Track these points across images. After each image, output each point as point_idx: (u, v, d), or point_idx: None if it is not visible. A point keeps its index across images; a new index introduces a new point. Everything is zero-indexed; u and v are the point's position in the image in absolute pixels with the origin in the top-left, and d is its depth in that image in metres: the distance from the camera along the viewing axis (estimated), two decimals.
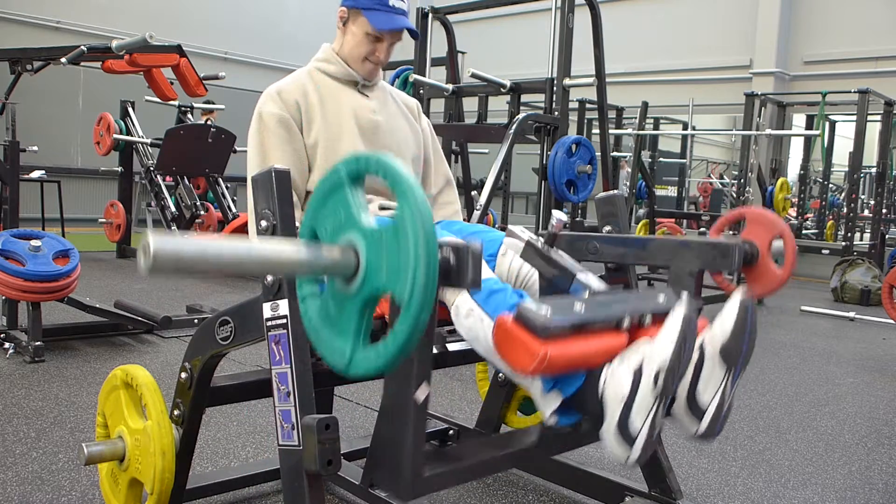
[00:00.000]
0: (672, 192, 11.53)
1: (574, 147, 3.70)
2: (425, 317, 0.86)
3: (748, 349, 1.30)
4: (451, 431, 2.16)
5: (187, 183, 6.39)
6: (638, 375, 1.19)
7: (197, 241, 0.79)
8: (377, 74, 1.86)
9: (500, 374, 2.12)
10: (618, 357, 1.25)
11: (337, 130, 1.75)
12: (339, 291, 0.95)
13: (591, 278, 1.39)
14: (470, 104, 4.62)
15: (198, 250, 0.78)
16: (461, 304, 1.38)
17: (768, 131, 6.65)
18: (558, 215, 1.46)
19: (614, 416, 1.20)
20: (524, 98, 4.20)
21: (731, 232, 1.68)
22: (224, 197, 6.55)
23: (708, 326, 1.33)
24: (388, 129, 1.84)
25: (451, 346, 1.90)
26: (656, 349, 1.19)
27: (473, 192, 5.50)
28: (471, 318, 1.36)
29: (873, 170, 7.72)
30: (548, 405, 1.30)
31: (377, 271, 0.90)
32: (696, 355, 1.29)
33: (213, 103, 7.18)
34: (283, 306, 1.26)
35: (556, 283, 1.44)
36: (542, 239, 1.48)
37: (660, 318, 1.30)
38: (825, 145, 8.62)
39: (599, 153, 4.14)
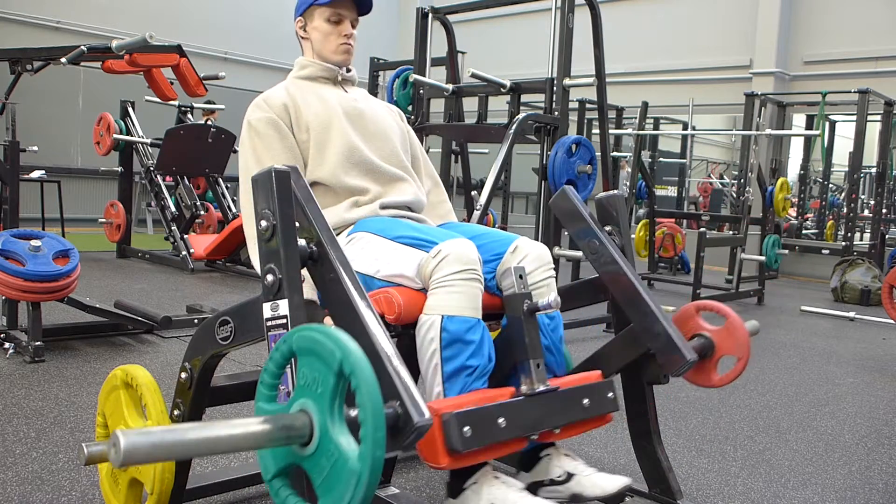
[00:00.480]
0: (672, 192, 11.53)
1: (574, 147, 3.69)
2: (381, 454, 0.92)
3: None
4: None
5: (187, 183, 6.39)
6: None
7: (164, 434, 0.85)
8: (351, 59, 1.90)
9: None
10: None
11: (325, 119, 1.78)
12: (301, 457, 0.99)
13: (536, 382, 1.49)
14: (470, 104, 4.62)
15: (165, 442, 0.84)
16: (433, 352, 1.45)
17: (768, 131, 6.63)
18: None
19: None
20: (524, 98, 4.19)
21: (702, 329, 1.74)
22: (224, 197, 6.55)
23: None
24: (372, 116, 1.88)
25: None
26: None
27: (473, 192, 5.50)
28: (430, 345, 1.45)
29: (873, 170, 7.72)
30: None
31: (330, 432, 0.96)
32: None
33: (214, 103, 7.18)
34: (283, 306, 1.26)
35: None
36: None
37: (570, 425, 1.53)
38: (825, 145, 8.63)
39: (599, 153, 4.14)
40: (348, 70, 1.91)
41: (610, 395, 1.59)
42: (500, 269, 1.64)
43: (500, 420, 1.37)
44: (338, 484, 0.93)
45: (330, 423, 0.95)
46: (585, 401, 1.54)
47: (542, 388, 1.47)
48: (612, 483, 1.55)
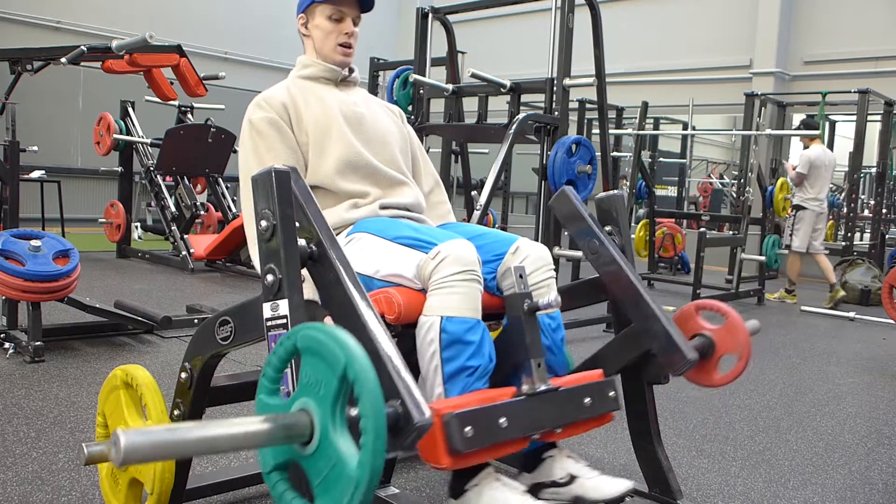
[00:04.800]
0: (672, 192, 11.53)
1: (574, 147, 3.69)
2: (381, 462, 0.92)
3: None
4: None
5: (187, 183, 6.39)
6: None
7: (161, 431, 0.85)
8: (351, 59, 1.89)
9: None
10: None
11: (325, 123, 1.78)
12: (300, 455, 0.99)
13: (538, 381, 1.48)
14: (470, 104, 4.62)
15: (166, 441, 0.85)
16: (431, 325, 1.45)
17: (768, 131, 6.64)
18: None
19: None
20: (524, 98, 4.19)
21: (703, 328, 1.74)
22: (224, 197, 6.55)
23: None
24: (372, 120, 1.88)
25: None
26: None
27: (473, 192, 5.50)
28: (431, 346, 1.45)
29: (873, 170, 7.72)
30: None
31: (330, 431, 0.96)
32: None
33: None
34: (283, 306, 1.26)
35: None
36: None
37: (571, 424, 1.52)
38: (825, 145, 8.61)
39: (599, 153, 4.14)
40: (350, 71, 1.90)
41: (611, 393, 1.59)
42: (500, 270, 1.64)
43: (502, 420, 1.37)
44: (335, 487, 0.93)
45: (331, 426, 0.95)
46: (587, 400, 1.53)
47: (543, 387, 1.47)
48: (614, 487, 1.54)
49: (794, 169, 6.39)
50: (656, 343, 1.62)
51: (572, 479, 1.58)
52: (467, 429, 1.31)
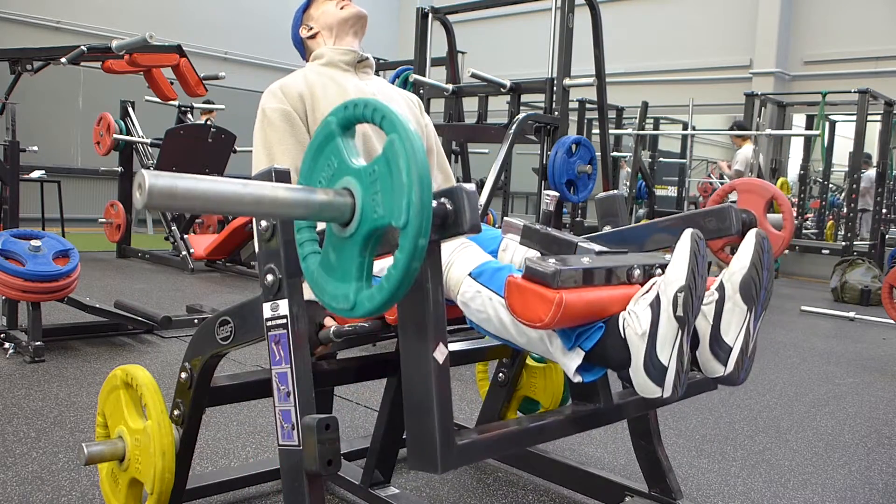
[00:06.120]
0: (672, 192, 11.52)
1: (574, 147, 3.69)
2: (424, 242, 0.88)
3: (767, 284, 1.30)
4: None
5: None
6: (657, 306, 1.19)
7: (191, 178, 0.81)
8: (362, 16, 1.88)
9: (501, 374, 2.13)
10: (633, 299, 1.25)
11: None
12: (337, 237, 0.96)
13: (593, 245, 1.38)
14: (470, 104, 4.62)
15: (192, 186, 0.80)
16: (467, 290, 1.38)
17: (768, 131, 6.64)
18: (550, 193, 1.47)
19: (639, 353, 1.19)
20: (524, 98, 4.19)
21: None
22: None
23: (725, 269, 1.34)
24: None
25: (451, 346, 1.90)
26: (670, 275, 1.20)
27: None
28: (478, 300, 1.36)
29: (873, 170, 7.72)
30: (571, 363, 1.28)
31: (373, 208, 0.92)
32: (716, 295, 1.29)
33: (213, 103, 7.17)
34: (283, 306, 1.26)
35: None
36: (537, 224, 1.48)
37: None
38: (825, 145, 8.62)
39: (599, 153, 4.14)
40: (366, 56, 1.88)
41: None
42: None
43: (585, 259, 1.26)
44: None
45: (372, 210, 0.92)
46: (667, 256, 1.39)
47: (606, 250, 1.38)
48: None
49: (730, 168, 6.91)
50: (702, 227, 1.51)
51: None
52: (552, 261, 1.17)
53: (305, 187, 0.93)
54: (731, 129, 7.27)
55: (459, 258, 1.42)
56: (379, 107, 0.93)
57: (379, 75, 6.59)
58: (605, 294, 1.22)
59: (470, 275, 1.37)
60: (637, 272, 1.29)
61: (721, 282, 1.30)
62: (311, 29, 1.88)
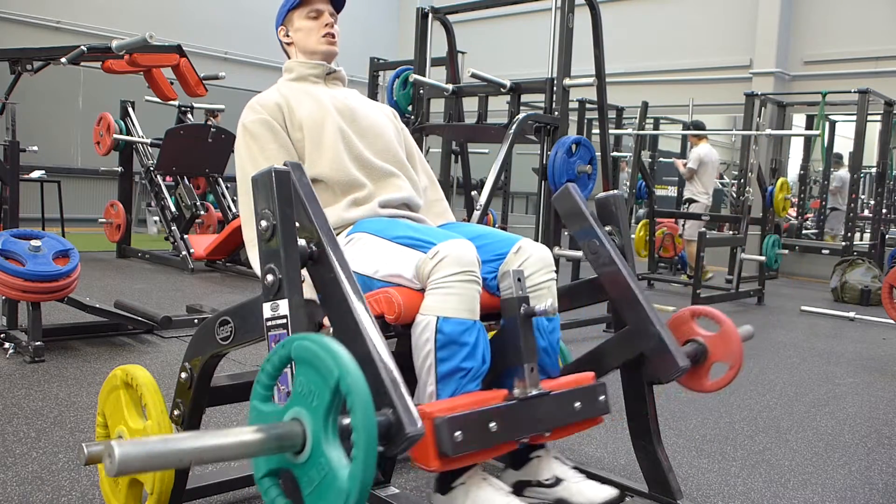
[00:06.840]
0: (672, 192, 11.51)
1: (574, 147, 3.69)
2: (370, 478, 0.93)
3: None
4: None
5: (187, 183, 6.39)
6: None
7: (158, 444, 0.86)
8: (336, 49, 1.92)
9: None
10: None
11: (319, 117, 1.80)
12: (292, 463, 0.99)
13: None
14: (470, 104, 4.62)
15: (160, 452, 0.85)
16: (428, 352, 1.44)
17: (768, 131, 6.64)
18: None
19: None
20: (524, 98, 4.19)
21: (696, 334, 1.74)
22: (224, 197, 6.55)
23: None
24: (364, 113, 1.90)
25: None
26: None
27: (473, 192, 5.50)
28: (426, 363, 1.44)
29: (873, 170, 7.72)
30: None
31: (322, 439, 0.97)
32: None
33: (214, 104, 7.16)
34: (283, 306, 1.26)
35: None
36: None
37: (560, 428, 1.53)
38: (825, 145, 8.62)
39: (599, 153, 4.14)
40: (335, 69, 1.94)
41: (602, 398, 1.60)
42: (501, 270, 1.64)
43: (492, 424, 1.37)
44: (326, 497, 0.94)
45: (323, 436, 0.95)
46: (577, 404, 1.54)
47: (534, 392, 1.47)
48: (598, 493, 1.55)
49: (685, 166, 7.10)
50: (649, 346, 1.63)
51: (558, 481, 1.58)
52: (457, 433, 1.31)
53: (259, 428, 0.97)
54: (688, 128, 7.45)
55: (449, 286, 1.45)
56: (354, 394, 0.94)
57: (379, 76, 6.55)
58: (482, 457, 1.42)
59: (438, 321, 1.44)
60: (525, 439, 1.48)
61: None
62: (289, 37, 1.93)
